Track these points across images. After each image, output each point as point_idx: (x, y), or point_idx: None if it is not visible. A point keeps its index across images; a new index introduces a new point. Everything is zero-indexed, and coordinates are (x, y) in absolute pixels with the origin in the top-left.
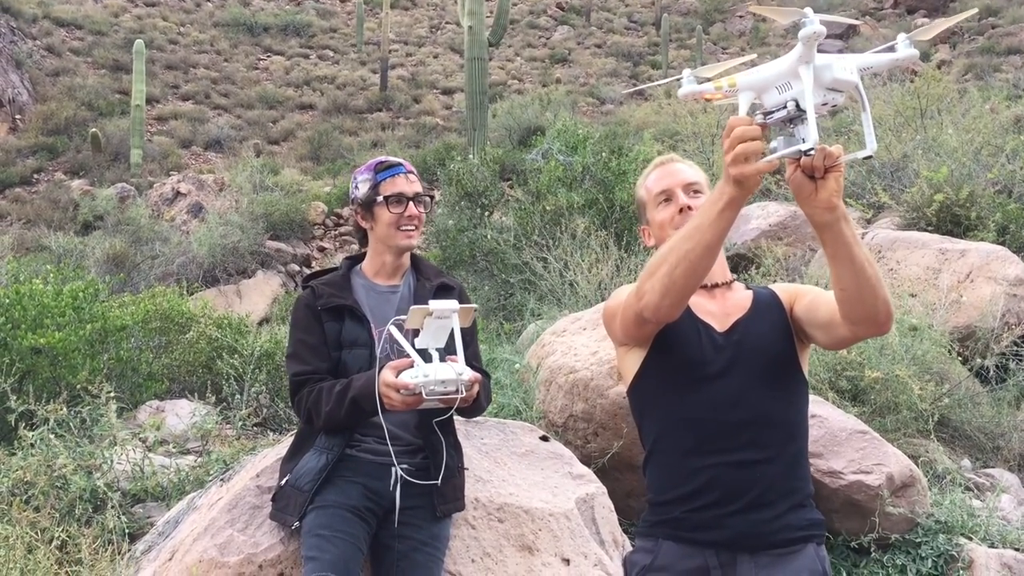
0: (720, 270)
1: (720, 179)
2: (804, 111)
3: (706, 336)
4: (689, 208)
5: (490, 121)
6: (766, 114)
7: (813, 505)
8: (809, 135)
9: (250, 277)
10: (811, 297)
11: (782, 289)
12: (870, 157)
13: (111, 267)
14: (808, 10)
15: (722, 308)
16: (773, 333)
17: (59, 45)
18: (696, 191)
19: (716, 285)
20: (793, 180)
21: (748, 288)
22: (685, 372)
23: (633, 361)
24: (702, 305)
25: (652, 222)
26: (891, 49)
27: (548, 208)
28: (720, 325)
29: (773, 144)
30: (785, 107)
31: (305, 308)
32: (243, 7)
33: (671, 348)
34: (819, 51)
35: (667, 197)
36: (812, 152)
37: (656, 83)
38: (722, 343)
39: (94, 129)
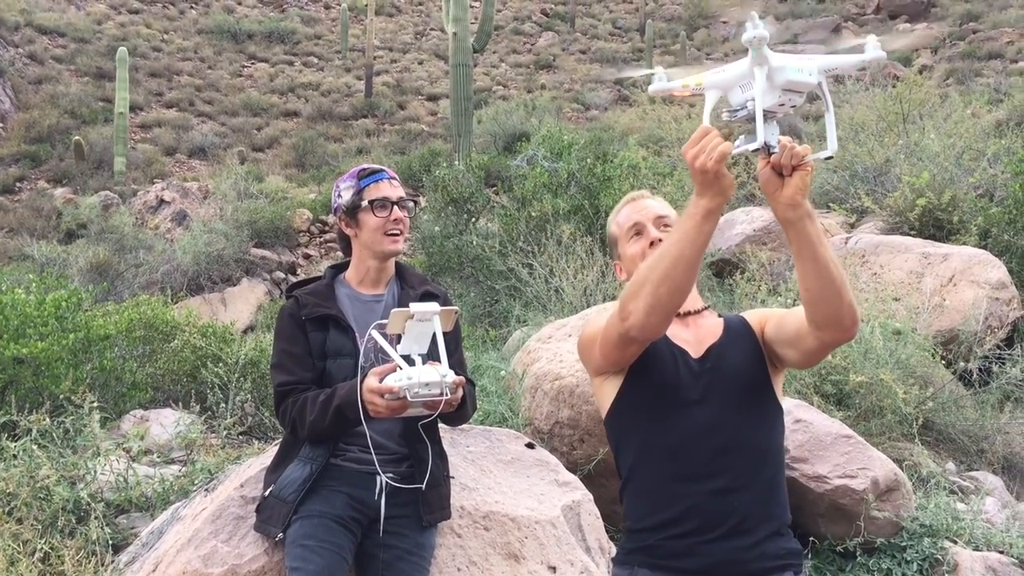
0: (692, 299)
1: (693, 194)
2: (764, 111)
3: (683, 362)
4: (660, 241)
5: (475, 127)
6: (731, 112)
7: (791, 534)
8: (757, 136)
9: (235, 285)
10: (779, 316)
11: (751, 315)
12: (831, 157)
13: (94, 276)
14: (753, 14)
15: (696, 335)
16: (746, 359)
17: (42, 53)
18: (666, 225)
19: (689, 313)
20: (762, 174)
21: (719, 316)
22: (663, 398)
23: (610, 389)
24: (677, 333)
25: (624, 256)
26: (859, 50)
27: (533, 214)
28: (695, 352)
29: (737, 142)
30: (745, 106)
31: (289, 318)
32: (227, 14)
33: (648, 374)
34: (781, 51)
35: (638, 231)
36: (774, 151)
37: (638, 73)
38: (698, 370)
39: (77, 137)
